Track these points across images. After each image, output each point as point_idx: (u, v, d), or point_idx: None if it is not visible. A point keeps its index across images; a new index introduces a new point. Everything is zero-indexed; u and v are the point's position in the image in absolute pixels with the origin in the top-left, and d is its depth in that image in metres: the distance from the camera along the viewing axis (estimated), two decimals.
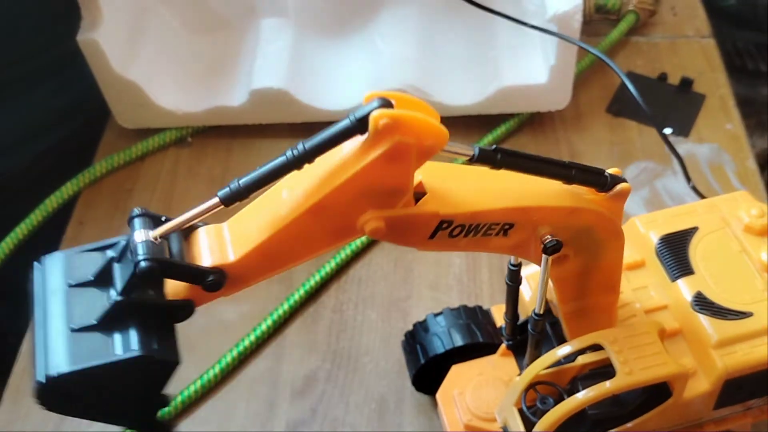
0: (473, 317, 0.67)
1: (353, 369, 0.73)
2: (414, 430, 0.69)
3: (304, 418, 0.70)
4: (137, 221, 0.40)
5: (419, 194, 0.42)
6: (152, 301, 0.39)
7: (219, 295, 0.41)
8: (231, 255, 0.40)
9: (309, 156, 0.38)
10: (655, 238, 0.58)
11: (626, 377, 0.48)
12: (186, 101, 0.90)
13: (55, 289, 0.40)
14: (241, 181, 0.39)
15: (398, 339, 0.72)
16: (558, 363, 0.54)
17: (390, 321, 0.77)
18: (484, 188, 0.44)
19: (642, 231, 0.58)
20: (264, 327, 0.75)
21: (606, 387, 0.48)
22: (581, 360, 0.54)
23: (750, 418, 0.59)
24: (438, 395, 0.64)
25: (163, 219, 0.41)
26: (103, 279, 0.40)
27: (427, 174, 0.42)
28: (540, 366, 0.52)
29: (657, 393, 0.52)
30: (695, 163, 0.87)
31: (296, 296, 0.77)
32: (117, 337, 0.39)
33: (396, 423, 0.70)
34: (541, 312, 0.52)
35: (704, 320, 0.53)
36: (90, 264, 0.40)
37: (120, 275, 0.40)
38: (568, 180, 0.45)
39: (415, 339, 0.67)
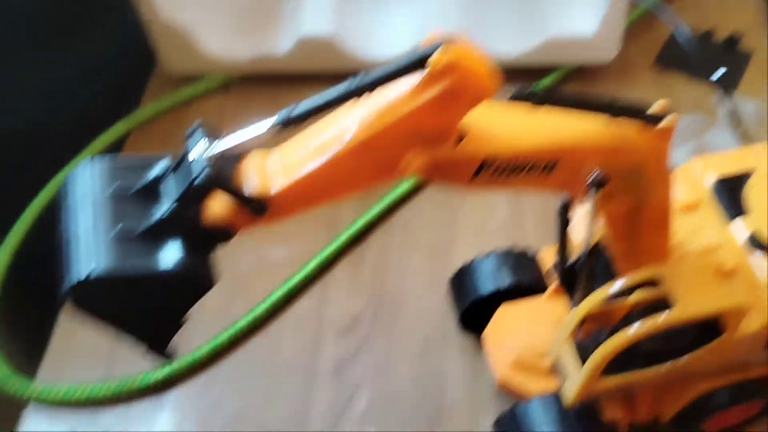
0: (521, 259, 0.67)
1: (398, 310, 0.74)
2: (458, 369, 0.70)
3: (350, 355, 0.72)
4: (195, 134, 0.40)
5: (460, 135, 0.42)
6: (198, 221, 0.39)
7: (260, 222, 0.41)
8: (277, 183, 0.41)
9: (369, 87, 0.38)
10: (711, 180, 0.58)
11: (681, 311, 0.49)
12: (232, 48, 0.91)
13: (97, 194, 0.39)
14: (300, 105, 0.39)
15: (442, 283, 0.73)
16: (610, 300, 0.55)
17: (434, 265, 0.78)
18: (526, 127, 0.44)
19: (698, 173, 0.58)
20: (310, 267, 0.76)
21: (660, 320, 0.49)
22: (634, 297, 0.55)
23: None
24: (485, 334, 0.65)
25: (219, 137, 0.41)
26: (148, 192, 0.40)
27: (468, 114, 0.42)
28: (594, 300, 0.53)
29: (709, 331, 0.53)
30: (741, 119, 0.86)
31: (342, 239, 0.78)
32: (161, 250, 0.39)
33: (439, 363, 0.71)
34: (591, 247, 0.52)
35: (758, 259, 0.53)
36: (134, 175, 0.40)
37: (173, 188, 0.39)
38: (612, 116, 0.44)
39: (462, 280, 0.68)
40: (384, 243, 0.79)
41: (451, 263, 0.74)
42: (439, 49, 0.37)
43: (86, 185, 0.40)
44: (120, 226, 0.39)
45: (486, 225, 0.80)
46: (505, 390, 0.63)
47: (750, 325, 0.53)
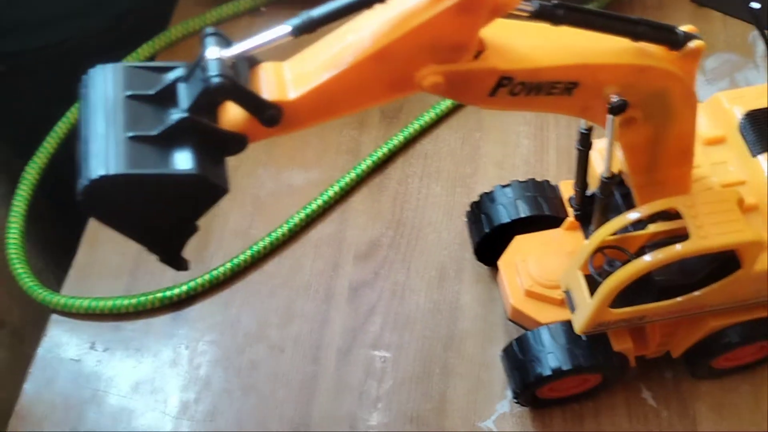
0: (541, 190, 0.67)
1: (415, 238, 0.75)
2: (472, 297, 0.71)
3: (367, 279, 0.73)
4: (210, 39, 0.39)
5: (478, 50, 0.41)
6: (213, 126, 0.39)
7: (273, 132, 0.41)
8: (291, 92, 0.40)
9: None
10: (739, 114, 0.56)
11: (700, 241, 0.48)
12: None
13: (113, 96, 0.39)
14: (312, 13, 0.38)
15: (461, 213, 0.73)
16: (627, 230, 0.55)
17: (454, 195, 0.78)
18: (546, 44, 0.43)
19: (726, 106, 0.57)
20: (331, 193, 0.77)
21: (677, 249, 0.49)
22: (652, 228, 0.54)
23: None
24: (500, 262, 0.65)
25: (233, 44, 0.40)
26: (164, 96, 0.39)
27: (487, 28, 0.41)
28: (610, 229, 0.52)
29: (725, 266, 0.52)
30: None
31: (363, 166, 0.78)
32: (175, 153, 0.38)
33: (455, 290, 0.72)
34: (609, 175, 0.52)
35: None
36: (150, 80, 0.40)
37: (188, 93, 0.39)
38: (636, 37, 0.43)
39: (480, 209, 0.68)
40: (405, 172, 0.79)
41: (470, 195, 0.74)
42: None
43: (103, 87, 0.39)
44: (135, 128, 0.38)
45: (508, 159, 0.79)
46: (516, 319, 0.64)
47: None
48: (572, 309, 0.56)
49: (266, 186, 0.80)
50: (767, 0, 0.86)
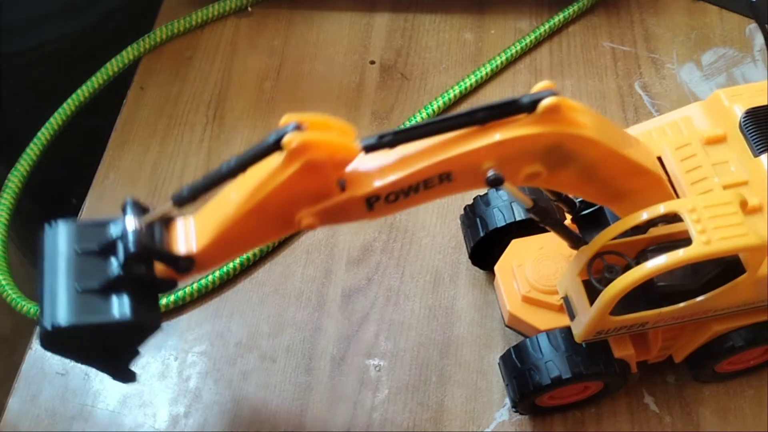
0: (537, 192, 0.65)
1: (409, 242, 0.73)
2: (468, 302, 0.69)
3: (360, 285, 0.71)
4: (129, 209, 0.47)
5: (343, 180, 0.46)
6: (144, 276, 0.47)
7: (191, 274, 0.48)
8: (194, 245, 0.47)
9: (239, 169, 0.44)
10: (739, 112, 0.55)
11: (703, 246, 0.47)
12: None
13: (66, 252, 0.47)
14: (187, 187, 0.45)
15: (455, 215, 0.71)
16: (627, 235, 0.53)
17: (448, 198, 0.76)
18: (404, 154, 0.45)
19: (726, 104, 0.55)
20: None
21: (680, 255, 0.47)
22: (653, 232, 0.53)
23: None
24: (496, 267, 0.63)
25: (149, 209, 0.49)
26: (107, 250, 0.47)
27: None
28: (609, 234, 0.51)
29: (730, 269, 0.51)
30: None
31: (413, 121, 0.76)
32: (114, 302, 0.47)
33: (450, 295, 0.70)
34: (528, 207, 0.51)
35: None
36: (96, 235, 0.48)
37: (120, 253, 0.47)
38: (480, 123, 0.44)
39: (475, 212, 0.66)
40: None
41: (465, 197, 0.72)
42: (290, 133, 0.42)
43: (56, 244, 0.47)
44: (82, 281, 0.47)
45: None
46: (513, 325, 0.62)
47: None
48: (571, 316, 0.55)
49: None
50: None
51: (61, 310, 0.46)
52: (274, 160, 0.43)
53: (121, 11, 0.92)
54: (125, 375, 0.55)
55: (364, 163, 0.45)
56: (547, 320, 0.60)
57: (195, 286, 0.70)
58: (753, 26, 0.85)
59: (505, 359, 0.60)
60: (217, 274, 0.71)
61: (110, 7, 0.92)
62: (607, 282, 0.50)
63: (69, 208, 0.79)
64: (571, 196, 0.56)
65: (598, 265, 0.53)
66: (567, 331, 0.57)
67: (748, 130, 0.54)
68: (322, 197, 0.45)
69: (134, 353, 0.53)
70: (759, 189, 0.52)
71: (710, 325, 0.56)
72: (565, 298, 0.56)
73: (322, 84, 0.85)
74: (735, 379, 0.63)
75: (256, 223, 0.46)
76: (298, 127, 0.42)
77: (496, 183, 0.45)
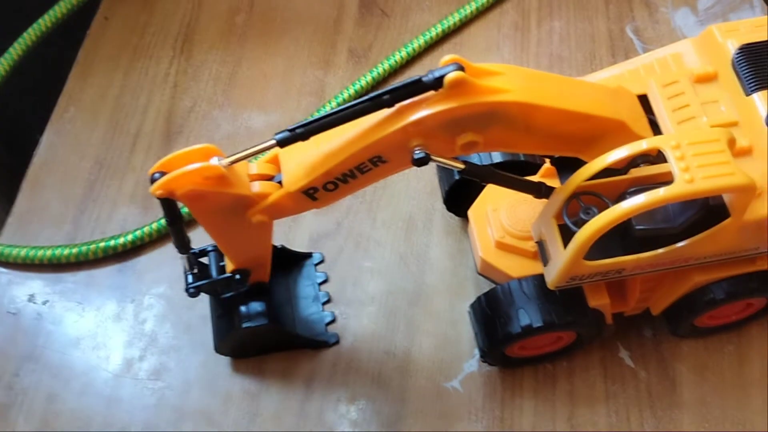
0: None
1: (382, 186, 0.70)
2: (441, 250, 0.66)
3: (328, 230, 0.68)
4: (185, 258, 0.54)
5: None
6: (228, 293, 0.57)
7: (257, 278, 0.57)
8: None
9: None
10: (733, 48, 0.51)
11: (685, 185, 0.43)
12: None
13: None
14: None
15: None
16: (607, 175, 0.50)
17: None
18: (329, 145, 0.46)
19: (719, 40, 0.52)
20: None
21: (660, 194, 0.44)
22: (634, 173, 0.49)
23: None
24: (470, 212, 0.60)
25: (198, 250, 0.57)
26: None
27: (282, 156, 0.48)
28: (585, 173, 0.47)
29: (714, 214, 0.48)
30: None
31: (326, 108, 0.73)
32: (229, 319, 0.58)
33: (423, 242, 0.67)
34: (461, 169, 0.48)
35: None
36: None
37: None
38: (389, 105, 0.43)
39: None
40: None
41: None
42: (159, 182, 0.45)
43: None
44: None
45: None
46: (486, 273, 0.59)
47: (761, 209, 0.47)
48: (545, 261, 0.52)
49: (222, 128, 0.74)
50: None
51: (214, 335, 0.61)
52: None
53: None
54: (317, 344, 0.62)
55: (295, 156, 0.47)
56: (520, 267, 0.56)
57: (155, 225, 0.67)
58: None
59: (475, 307, 0.57)
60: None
61: None
62: (583, 224, 0.47)
63: (32, 143, 0.75)
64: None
65: (574, 207, 0.49)
66: (540, 279, 0.54)
67: (740, 67, 0.50)
68: (243, 206, 0.48)
69: (301, 332, 0.61)
70: (750, 130, 0.49)
71: (691, 276, 0.53)
72: (540, 243, 0.52)
73: (296, 19, 0.80)
74: (715, 335, 0.61)
75: (230, 235, 0.52)
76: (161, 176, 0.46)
77: (421, 163, 0.44)
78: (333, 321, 0.63)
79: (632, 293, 0.56)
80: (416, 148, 0.44)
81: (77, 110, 0.76)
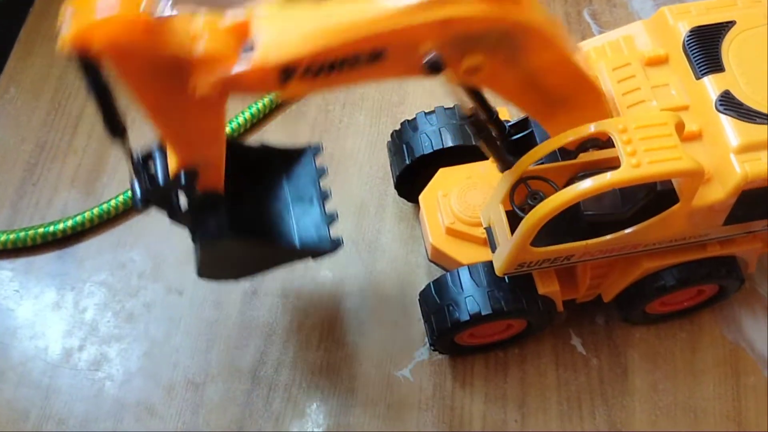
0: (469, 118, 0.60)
1: (334, 171, 0.68)
2: (393, 236, 0.64)
3: None
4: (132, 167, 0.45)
5: (248, 46, 0.38)
6: (178, 211, 0.47)
7: (210, 177, 0.46)
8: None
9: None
10: (684, 30, 0.50)
11: (632, 169, 0.42)
12: None
13: None
14: None
15: (386, 144, 0.66)
16: (556, 160, 0.49)
17: (379, 126, 0.71)
18: (325, 23, 0.38)
19: (671, 22, 0.51)
20: (241, 119, 0.69)
21: (606, 179, 0.43)
22: (582, 158, 0.48)
23: (760, 243, 0.54)
24: (421, 197, 0.59)
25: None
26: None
27: (262, 24, 0.38)
28: (533, 157, 0.46)
29: (662, 199, 0.47)
30: None
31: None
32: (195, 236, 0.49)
33: (375, 228, 0.65)
34: (469, 113, 0.46)
35: (728, 122, 0.46)
36: None
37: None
38: None
39: (402, 138, 0.61)
40: (325, 99, 0.72)
41: (397, 124, 0.67)
42: (66, 24, 0.35)
43: None
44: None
45: (439, 86, 0.72)
46: (436, 260, 0.58)
47: (709, 195, 0.46)
48: (493, 248, 0.50)
49: None
50: None
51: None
52: None
53: None
54: (315, 252, 0.53)
55: (279, 24, 0.38)
56: (471, 254, 0.55)
57: (96, 211, 0.64)
58: None
59: (425, 295, 0.56)
60: (120, 198, 0.65)
61: None
62: (530, 209, 0.45)
63: None
64: (501, 118, 0.51)
65: (521, 193, 0.48)
66: (490, 265, 0.53)
67: (691, 50, 0.49)
68: (185, 68, 0.37)
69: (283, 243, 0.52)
70: (700, 114, 0.48)
71: (640, 262, 0.52)
72: (488, 229, 0.51)
73: None
74: (667, 322, 0.60)
75: (171, 115, 0.40)
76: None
77: (435, 68, 0.38)
78: (333, 221, 0.53)
79: (583, 280, 0.55)
80: (428, 53, 0.38)
81: (18, 91, 0.73)
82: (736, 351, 0.59)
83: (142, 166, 0.45)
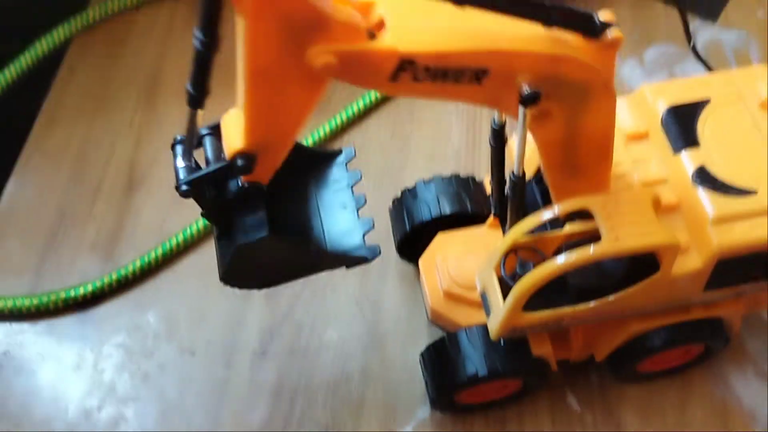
0: (464, 187, 0.64)
1: None
2: (395, 297, 0.68)
3: None
4: (177, 148, 0.44)
5: (374, 28, 0.39)
6: (218, 201, 0.45)
7: (265, 168, 0.44)
8: (239, 137, 0.42)
9: (203, 34, 0.37)
10: (662, 108, 0.54)
11: (612, 243, 0.45)
12: None
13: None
14: (189, 84, 0.40)
15: (387, 207, 0.70)
16: (544, 230, 0.52)
17: (381, 190, 0.74)
18: (454, 27, 0.40)
19: (649, 100, 0.54)
20: None
21: (588, 252, 0.46)
22: (569, 228, 0.51)
23: (742, 306, 0.56)
24: (420, 261, 0.62)
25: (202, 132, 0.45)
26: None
27: (390, 10, 0.39)
28: (522, 229, 0.49)
29: (644, 267, 0.50)
30: (719, 49, 0.82)
31: None
32: (228, 236, 0.46)
33: (378, 289, 0.68)
34: (520, 174, 0.49)
35: (704, 195, 0.50)
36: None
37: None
38: (548, 23, 0.40)
39: (402, 205, 0.65)
40: None
41: (399, 188, 0.70)
42: None
43: None
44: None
45: (438, 152, 0.76)
46: (436, 321, 0.61)
47: (688, 264, 0.50)
48: (487, 312, 0.53)
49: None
50: None
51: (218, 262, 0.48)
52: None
53: None
54: (353, 260, 0.50)
55: (405, 11, 0.39)
56: (468, 316, 0.58)
57: (114, 275, 0.68)
58: (698, 23, 0.84)
59: (425, 356, 0.59)
60: (138, 263, 0.69)
61: None
62: (519, 278, 0.49)
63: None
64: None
65: (512, 261, 0.51)
66: (485, 328, 0.55)
67: (669, 128, 0.53)
68: (318, 27, 0.37)
69: (311, 255, 0.50)
70: (678, 187, 0.51)
71: (629, 324, 0.55)
72: (483, 294, 0.54)
73: None
74: (658, 379, 0.63)
75: (271, 85, 0.39)
76: None
77: (532, 100, 0.41)
78: (369, 229, 0.51)
79: (576, 341, 0.58)
80: (523, 85, 0.41)
81: (41, 159, 0.77)
82: (725, 407, 0.61)
83: (193, 147, 0.44)
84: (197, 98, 0.40)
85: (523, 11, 0.40)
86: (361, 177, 0.53)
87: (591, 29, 0.42)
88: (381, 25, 0.39)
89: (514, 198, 0.50)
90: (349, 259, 0.50)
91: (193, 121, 0.41)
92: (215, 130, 0.45)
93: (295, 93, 0.40)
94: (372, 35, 0.38)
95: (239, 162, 0.42)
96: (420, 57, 0.39)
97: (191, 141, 0.43)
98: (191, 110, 0.40)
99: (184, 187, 0.43)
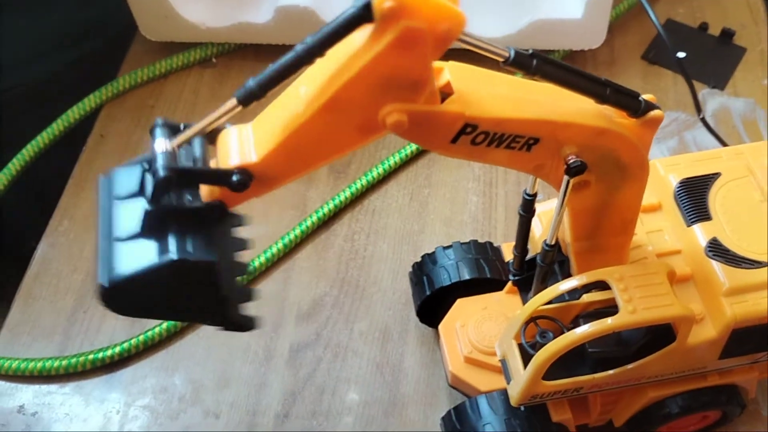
0: (483, 252, 0.66)
1: (360, 297, 0.73)
2: (415, 360, 0.69)
3: (309, 341, 0.71)
4: (158, 131, 0.41)
5: (446, 94, 0.41)
6: (180, 206, 0.40)
7: (248, 195, 0.42)
8: (254, 154, 0.40)
9: (318, 49, 0.37)
10: (674, 182, 0.56)
11: (628, 315, 0.47)
12: (211, 15, 0.89)
13: (106, 204, 0.42)
14: (255, 80, 0.38)
15: (407, 271, 0.72)
16: (562, 300, 0.53)
17: (401, 254, 0.76)
18: (514, 97, 0.42)
19: (662, 174, 0.57)
20: (275, 249, 0.75)
21: (607, 323, 0.48)
22: (586, 298, 0.53)
23: (757, 373, 0.58)
24: (440, 327, 0.64)
25: (182, 127, 0.42)
26: (143, 189, 0.41)
27: (456, 75, 0.41)
28: (542, 299, 0.51)
29: (662, 337, 0.51)
30: (728, 117, 0.84)
31: (309, 222, 0.77)
32: (161, 241, 0.40)
33: (398, 352, 0.70)
34: (553, 242, 0.51)
35: (717, 267, 0.51)
36: (133, 176, 0.42)
37: (149, 185, 0.41)
38: (602, 99, 0.43)
39: (422, 270, 0.67)
40: (351, 229, 0.78)
41: (417, 253, 0.72)
42: None
43: (100, 197, 0.42)
44: (123, 227, 0.40)
45: (456, 216, 0.78)
46: (456, 385, 0.62)
47: (703, 333, 0.51)
48: (508, 379, 0.55)
49: None
50: (693, 50, 0.88)
51: (106, 266, 0.40)
52: (359, 36, 0.37)
53: (86, 58, 0.94)
54: (239, 323, 0.46)
55: (485, 84, 0.42)
56: (488, 381, 0.60)
57: (141, 338, 0.70)
58: (706, 91, 0.87)
59: (446, 420, 0.60)
60: (164, 326, 0.70)
61: (75, 55, 0.93)
62: (540, 347, 0.50)
63: (28, 252, 0.78)
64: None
65: (531, 330, 0.53)
66: (506, 394, 0.57)
67: (681, 200, 0.55)
68: (415, 90, 0.38)
69: (218, 299, 0.43)
70: (691, 258, 0.53)
71: (646, 391, 0.56)
72: (503, 361, 0.56)
73: None
74: None
75: (333, 121, 0.39)
76: None
77: (579, 170, 0.43)
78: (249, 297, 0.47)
79: (594, 407, 0.59)
80: (569, 156, 0.44)
81: (71, 223, 0.80)
82: None
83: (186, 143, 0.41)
84: (252, 96, 0.38)
85: (585, 86, 0.42)
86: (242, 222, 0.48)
87: (636, 108, 0.45)
88: (449, 89, 0.41)
89: (542, 265, 0.52)
90: (240, 321, 0.47)
91: (224, 116, 0.40)
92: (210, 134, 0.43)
93: (348, 135, 0.40)
94: (443, 99, 0.40)
95: (235, 176, 0.40)
96: (483, 122, 0.41)
97: (204, 134, 0.41)
98: (236, 103, 0.39)
99: (163, 172, 0.38)
